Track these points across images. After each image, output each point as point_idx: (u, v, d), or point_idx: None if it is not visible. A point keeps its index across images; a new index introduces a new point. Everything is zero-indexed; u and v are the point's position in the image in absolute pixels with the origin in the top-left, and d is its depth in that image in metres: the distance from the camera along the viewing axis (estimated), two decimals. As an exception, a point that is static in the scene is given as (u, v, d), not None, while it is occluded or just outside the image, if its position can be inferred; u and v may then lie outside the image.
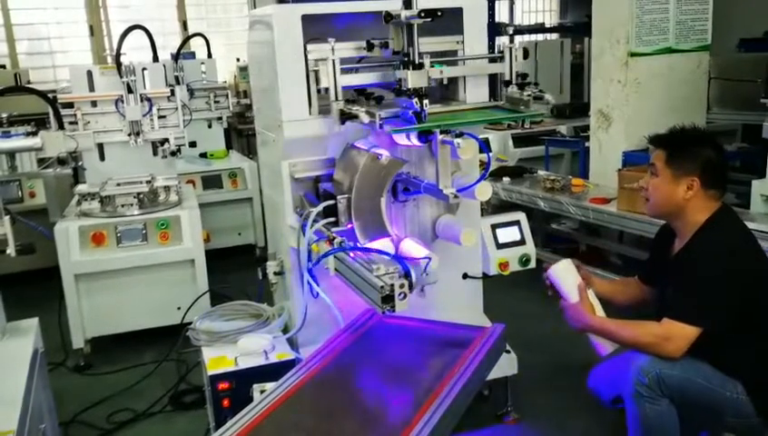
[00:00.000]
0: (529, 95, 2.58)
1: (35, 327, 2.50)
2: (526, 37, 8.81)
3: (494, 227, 3.10)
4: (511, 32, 6.20)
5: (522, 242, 3.12)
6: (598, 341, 2.64)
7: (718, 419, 2.46)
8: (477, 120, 2.57)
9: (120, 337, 4.04)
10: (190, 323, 3.11)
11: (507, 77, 2.69)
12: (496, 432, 3.10)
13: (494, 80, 2.90)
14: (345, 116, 2.55)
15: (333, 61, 2.51)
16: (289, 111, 2.72)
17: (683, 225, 2.53)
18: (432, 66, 2.41)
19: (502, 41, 7.62)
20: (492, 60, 2.79)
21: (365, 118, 2.46)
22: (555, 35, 9.34)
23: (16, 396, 2.05)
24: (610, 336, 2.56)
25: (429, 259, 2.34)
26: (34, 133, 2.71)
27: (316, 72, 2.63)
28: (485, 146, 2.48)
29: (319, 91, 2.70)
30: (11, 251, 2.44)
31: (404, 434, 1.89)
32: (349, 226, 2.61)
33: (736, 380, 2.41)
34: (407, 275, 2.17)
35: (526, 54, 2.69)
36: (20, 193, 5.06)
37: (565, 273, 2.73)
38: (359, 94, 2.63)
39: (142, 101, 4.20)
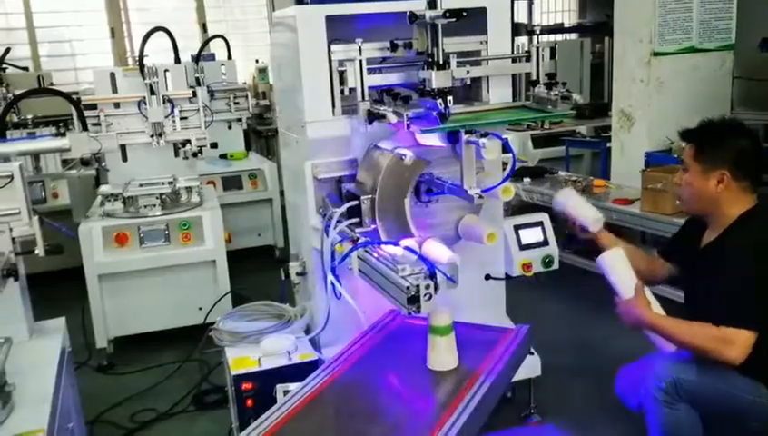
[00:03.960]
0: (557, 95, 2.56)
1: (63, 327, 2.53)
2: (545, 37, 8.77)
3: (517, 228, 3.07)
4: (538, 31, 6.18)
5: (545, 242, 3.09)
6: (659, 339, 2.55)
7: (742, 424, 2.41)
8: (504, 119, 2.57)
9: (142, 337, 4.06)
10: (211, 324, 3.12)
11: (535, 77, 2.67)
12: (520, 434, 3.08)
13: (516, 80, 2.89)
14: (372, 116, 2.55)
15: (360, 61, 2.51)
16: (312, 111, 2.73)
17: (716, 218, 2.48)
18: (459, 66, 2.40)
19: (521, 41, 7.64)
20: (516, 60, 2.78)
21: (393, 118, 2.46)
22: (574, 35, 9.28)
23: (46, 395, 2.07)
24: (666, 335, 2.46)
25: (455, 263, 2.34)
26: (62, 135, 2.72)
27: (341, 72, 2.63)
28: (510, 146, 2.46)
29: (342, 91, 2.70)
30: (39, 251, 2.46)
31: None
32: (373, 227, 2.60)
33: (760, 382, 2.36)
34: (432, 276, 2.16)
35: (553, 54, 2.67)
36: (44, 193, 5.11)
37: (617, 263, 2.65)
38: (387, 94, 2.63)
39: (164, 102, 4.23)
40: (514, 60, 2.80)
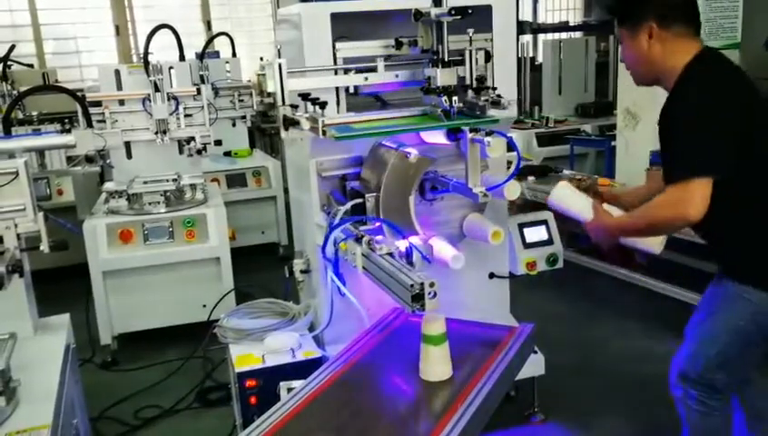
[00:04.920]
0: (486, 100, 2.48)
1: (67, 323, 2.53)
2: (550, 36, 8.75)
3: (521, 226, 3.07)
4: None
5: (549, 241, 3.09)
6: (641, 245, 2.47)
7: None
8: (434, 125, 2.52)
9: (146, 334, 4.07)
10: (215, 321, 3.13)
11: (468, 81, 2.57)
12: (523, 433, 3.08)
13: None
14: (288, 122, 2.49)
15: (279, 64, 2.47)
16: (317, 109, 2.71)
17: (666, 78, 2.26)
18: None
19: (526, 39, 7.62)
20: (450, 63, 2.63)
21: (305, 124, 2.44)
22: (579, 34, 9.26)
23: (51, 391, 2.08)
24: (633, 230, 2.33)
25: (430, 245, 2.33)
26: (68, 131, 2.73)
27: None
28: (515, 144, 2.46)
29: (347, 89, 2.70)
30: (44, 247, 2.47)
31: (434, 434, 1.89)
32: (377, 224, 2.60)
33: (745, 285, 2.20)
34: (407, 255, 2.17)
35: (487, 57, 2.61)
36: (48, 190, 5.13)
37: (566, 196, 2.58)
38: (303, 99, 2.51)
39: (168, 100, 4.24)
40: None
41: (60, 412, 2.05)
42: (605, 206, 2.48)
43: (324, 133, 2.36)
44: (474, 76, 2.54)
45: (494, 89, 2.59)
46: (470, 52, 2.53)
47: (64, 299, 3.41)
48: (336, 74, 2.69)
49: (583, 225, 2.50)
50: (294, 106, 2.53)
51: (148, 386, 3.66)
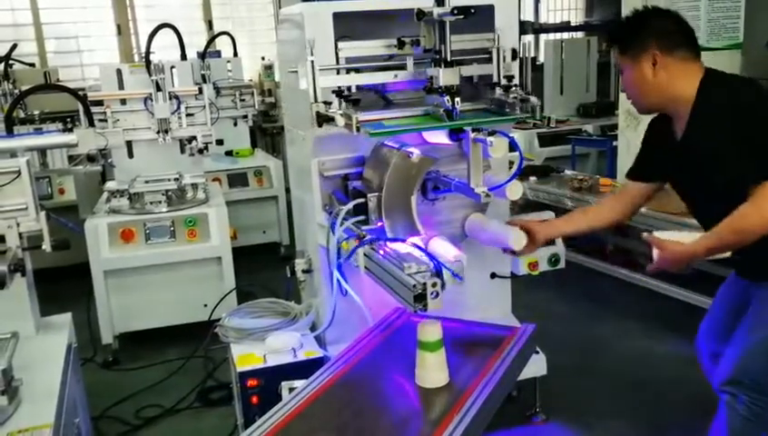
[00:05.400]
0: (515, 97, 2.50)
1: (69, 322, 2.53)
2: (552, 36, 8.75)
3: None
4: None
5: (551, 242, 3.08)
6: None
7: None
8: (460, 123, 2.50)
9: (147, 333, 4.07)
10: (216, 321, 3.13)
11: (495, 78, 2.61)
12: (525, 433, 3.08)
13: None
14: (321, 119, 2.50)
15: (312, 61, 2.47)
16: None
17: (675, 105, 2.27)
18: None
19: (528, 39, 7.62)
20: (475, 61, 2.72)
21: (341, 121, 2.44)
22: (581, 34, 9.26)
23: (53, 390, 2.08)
24: (720, 249, 2.21)
25: (461, 262, 2.34)
26: (70, 130, 2.72)
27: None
28: (517, 144, 2.45)
29: (348, 88, 2.69)
30: (47, 246, 2.46)
31: (436, 435, 1.88)
32: (379, 224, 2.60)
33: None
34: (438, 273, 2.16)
35: (514, 56, 2.61)
36: (50, 189, 5.12)
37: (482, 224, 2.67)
38: (336, 96, 2.55)
39: (170, 99, 4.24)
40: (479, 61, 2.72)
41: (62, 412, 2.05)
42: (667, 235, 2.36)
43: (358, 129, 2.37)
44: (502, 74, 2.59)
45: (522, 87, 2.62)
46: (497, 50, 2.59)
47: (66, 298, 3.43)
48: (358, 72, 2.67)
49: (652, 263, 2.36)
50: (327, 103, 2.54)
51: (149, 385, 3.66)
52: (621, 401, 3.35)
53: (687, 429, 3.06)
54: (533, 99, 2.53)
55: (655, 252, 2.28)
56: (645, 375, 3.55)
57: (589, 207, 3.18)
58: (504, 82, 2.63)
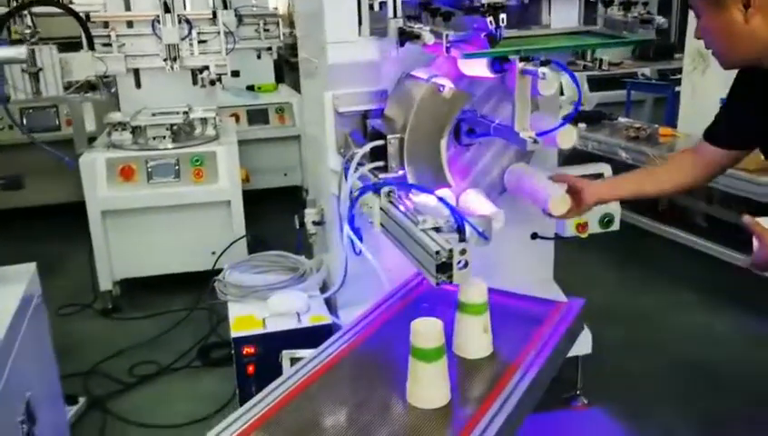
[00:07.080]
0: (635, 17, 2.04)
1: (32, 272, 2.14)
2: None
3: (573, 181, 2.61)
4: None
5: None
6: None
7: None
8: (568, 44, 2.08)
9: (152, 281, 3.76)
10: (221, 271, 2.82)
11: None
12: (562, 419, 2.69)
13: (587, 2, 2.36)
14: (405, 36, 2.11)
15: None
16: (334, 31, 2.27)
17: None
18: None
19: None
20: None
21: (429, 38, 2.02)
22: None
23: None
24: None
25: (490, 218, 1.92)
26: (21, 43, 2.32)
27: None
28: (576, 79, 1.98)
29: (371, 6, 2.23)
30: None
31: (474, 419, 1.56)
32: (401, 172, 2.18)
33: None
34: (459, 230, 1.74)
35: None
36: (57, 120, 4.81)
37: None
38: (424, 10, 2.16)
39: (180, 22, 3.82)
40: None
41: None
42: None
43: (448, 49, 1.96)
44: None
45: (645, 4, 2.15)
46: None
47: (68, 238, 3.10)
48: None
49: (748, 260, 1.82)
50: (413, 18, 2.21)
51: (148, 338, 3.37)
52: (672, 387, 2.94)
53: (749, 421, 2.68)
54: (659, 18, 2.04)
55: (756, 243, 1.77)
56: (702, 356, 3.15)
57: (655, 167, 2.67)
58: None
